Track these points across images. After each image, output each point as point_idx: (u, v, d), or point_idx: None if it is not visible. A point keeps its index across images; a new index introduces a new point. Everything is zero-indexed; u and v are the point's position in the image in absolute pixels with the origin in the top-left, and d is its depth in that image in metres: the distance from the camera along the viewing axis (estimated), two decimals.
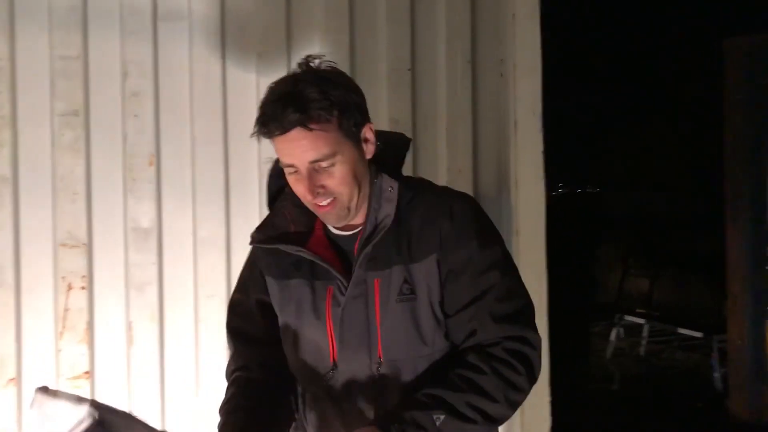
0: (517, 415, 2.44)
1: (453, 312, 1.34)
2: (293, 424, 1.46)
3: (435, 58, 2.50)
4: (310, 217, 1.40)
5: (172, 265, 2.37)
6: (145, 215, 2.36)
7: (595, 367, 5.64)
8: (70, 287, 2.33)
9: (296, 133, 1.24)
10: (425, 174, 2.42)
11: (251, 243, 1.44)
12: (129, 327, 2.36)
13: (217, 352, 2.35)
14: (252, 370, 1.43)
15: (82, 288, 2.34)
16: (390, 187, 1.36)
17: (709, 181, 5.45)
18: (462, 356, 1.31)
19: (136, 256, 2.35)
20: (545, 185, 2.49)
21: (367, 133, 1.33)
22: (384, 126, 2.16)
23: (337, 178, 1.29)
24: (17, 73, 2.32)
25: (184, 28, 2.38)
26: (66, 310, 2.34)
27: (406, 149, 1.50)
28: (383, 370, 1.33)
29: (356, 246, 1.35)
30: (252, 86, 2.38)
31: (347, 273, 1.35)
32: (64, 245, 2.33)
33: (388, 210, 1.34)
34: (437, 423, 1.22)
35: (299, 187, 1.30)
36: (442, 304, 1.35)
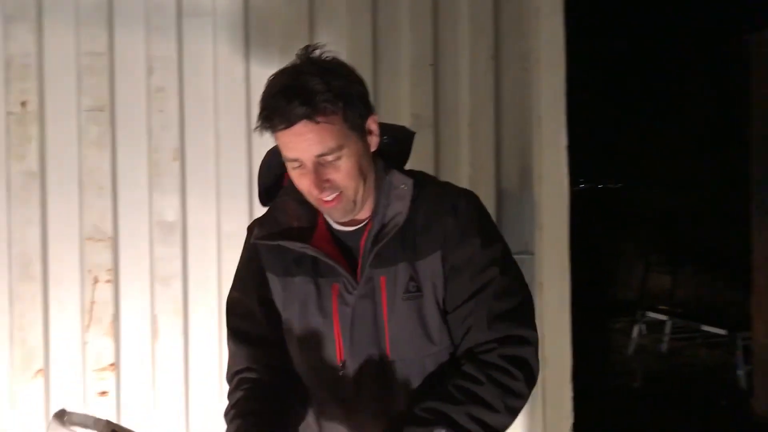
0: (539, 412, 2.44)
1: (452, 308, 1.31)
2: (301, 424, 1.40)
3: (458, 54, 2.49)
4: (312, 212, 1.35)
5: (197, 259, 2.39)
6: (169, 209, 2.38)
7: (617, 364, 5.60)
8: (96, 280, 2.37)
9: (302, 127, 1.20)
10: (448, 170, 2.43)
11: (254, 239, 1.37)
12: (154, 320, 2.39)
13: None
14: (257, 372, 1.35)
15: (108, 281, 2.37)
16: (403, 184, 1.33)
17: (733, 176, 5.38)
18: (458, 366, 1.27)
19: (161, 249, 2.38)
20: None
21: (372, 124, 1.30)
22: (406, 122, 2.17)
23: (343, 171, 1.25)
24: (45, 70, 2.36)
25: (208, 24, 2.40)
26: (92, 302, 2.37)
27: (411, 143, 1.46)
28: (392, 369, 1.30)
29: (362, 242, 1.31)
30: None
31: (352, 270, 1.31)
32: (90, 239, 2.36)
33: (399, 207, 1.31)
34: None
35: (303, 182, 1.26)
36: (445, 300, 1.32)
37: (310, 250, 1.31)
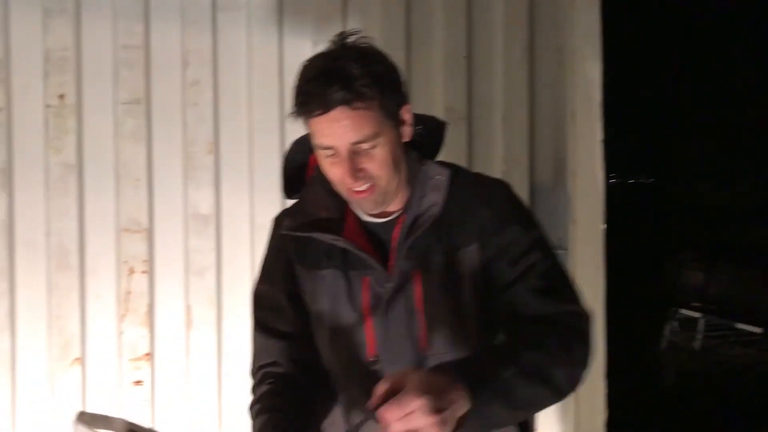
0: (571, 407, 2.42)
1: (495, 296, 1.26)
2: (326, 421, 1.38)
3: (492, 46, 2.47)
4: (341, 203, 1.32)
5: (230, 251, 2.41)
6: (204, 202, 2.40)
7: (649, 361, 5.54)
8: (131, 271, 2.40)
9: (339, 113, 1.16)
10: (480, 163, 2.42)
11: (284, 230, 1.34)
12: (188, 311, 2.41)
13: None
14: (283, 366, 1.32)
15: (144, 272, 2.40)
16: (439, 174, 1.30)
17: None
18: (513, 331, 1.22)
19: (196, 241, 2.40)
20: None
21: (406, 114, 1.26)
22: (439, 114, 2.15)
23: (378, 160, 1.21)
24: (82, 63, 2.39)
25: (242, 17, 2.41)
26: (128, 293, 2.40)
27: (444, 134, 1.43)
28: (426, 364, 1.25)
29: (394, 234, 1.28)
30: None
31: (384, 263, 1.28)
32: (126, 230, 2.39)
33: (435, 199, 1.28)
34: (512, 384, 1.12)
35: (336, 171, 1.22)
36: (485, 293, 1.28)
37: (341, 242, 1.28)
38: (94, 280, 2.40)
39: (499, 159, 2.44)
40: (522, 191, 2.38)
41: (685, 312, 5.84)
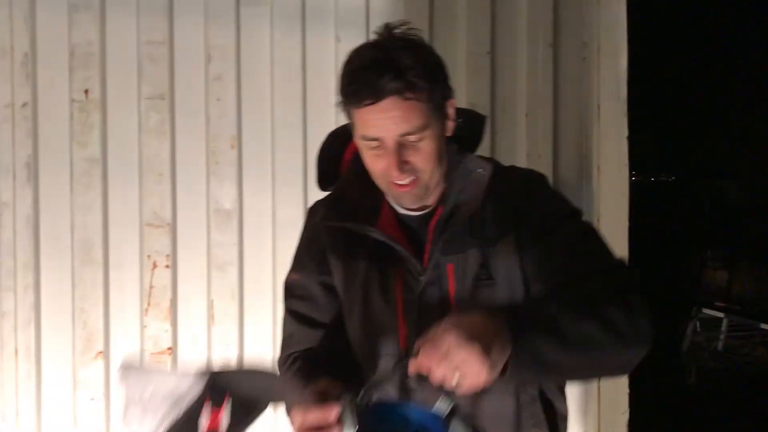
0: (594, 407, 2.40)
1: (538, 275, 1.23)
2: None
3: (515, 41, 2.45)
4: (377, 195, 1.30)
5: (252, 246, 2.42)
6: (226, 197, 2.41)
7: (671, 361, 5.48)
8: (155, 265, 2.41)
9: (390, 103, 1.14)
10: (504, 160, 2.37)
11: (318, 220, 1.33)
12: (210, 305, 2.42)
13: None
14: (315, 352, 1.32)
15: (167, 266, 2.41)
16: (480, 168, 1.27)
17: None
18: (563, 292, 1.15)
19: (218, 236, 2.41)
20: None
21: (450, 108, 1.24)
22: None
23: (424, 154, 1.19)
24: (107, 58, 2.40)
25: (266, 13, 2.41)
26: (151, 287, 2.42)
27: (483, 127, 1.41)
28: None
29: (431, 227, 1.26)
30: (331, 70, 2.39)
31: (419, 255, 1.26)
32: (149, 225, 2.41)
33: (474, 192, 1.25)
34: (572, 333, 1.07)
35: (379, 163, 1.20)
36: (524, 285, 1.26)
37: (376, 234, 1.27)
38: (117, 274, 2.42)
39: (523, 156, 2.42)
40: None
41: (708, 312, 5.77)
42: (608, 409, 2.41)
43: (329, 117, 2.40)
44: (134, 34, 2.40)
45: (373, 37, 1.22)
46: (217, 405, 1.03)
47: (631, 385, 2.44)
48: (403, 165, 1.19)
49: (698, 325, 5.80)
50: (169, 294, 2.41)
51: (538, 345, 1.04)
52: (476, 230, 1.26)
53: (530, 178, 1.33)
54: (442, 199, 1.29)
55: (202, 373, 1.04)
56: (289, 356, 1.34)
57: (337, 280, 1.33)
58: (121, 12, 2.40)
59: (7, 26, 2.38)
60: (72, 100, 2.40)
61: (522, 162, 2.41)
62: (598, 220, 2.40)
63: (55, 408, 2.41)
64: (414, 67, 1.14)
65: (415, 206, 1.29)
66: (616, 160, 2.40)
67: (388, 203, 1.33)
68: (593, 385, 2.39)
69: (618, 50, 2.40)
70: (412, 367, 1.01)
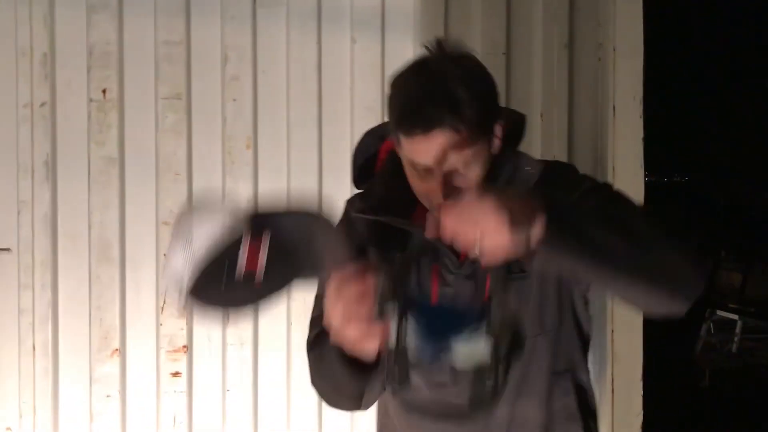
0: (608, 409, 2.39)
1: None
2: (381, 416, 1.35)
3: (530, 42, 2.45)
4: (412, 189, 1.30)
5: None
6: (242, 196, 2.42)
7: (685, 363, 5.46)
8: None
9: (441, 135, 1.12)
10: None
11: (355, 212, 1.32)
12: None
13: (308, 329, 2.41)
14: None
15: None
16: (529, 166, 1.25)
17: None
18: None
19: None
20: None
21: (498, 128, 1.22)
22: None
23: (470, 180, 1.18)
24: (124, 58, 2.42)
25: (282, 14, 2.42)
26: (167, 285, 2.43)
27: (524, 126, 1.40)
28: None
29: None
30: (346, 71, 2.41)
31: (455, 251, 1.25)
32: (165, 223, 2.43)
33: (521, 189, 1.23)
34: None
35: (425, 186, 1.19)
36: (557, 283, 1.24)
37: (411, 228, 1.25)
38: (134, 272, 2.43)
39: (537, 156, 2.40)
40: None
41: (721, 313, 5.73)
42: (622, 411, 2.41)
43: (344, 117, 2.42)
44: (151, 35, 2.42)
45: (421, 50, 1.20)
46: (256, 244, 0.99)
47: (645, 387, 2.43)
48: (448, 192, 1.17)
49: (712, 327, 5.77)
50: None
51: (575, 225, 1.02)
52: None
53: (559, 164, 1.33)
54: None
55: (246, 213, 1.01)
56: (317, 335, 1.32)
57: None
58: (139, 12, 2.42)
59: (27, 27, 2.40)
60: (90, 100, 2.42)
61: None
62: None
63: (72, 405, 2.43)
64: (469, 101, 1.12)
65: None
66: (631, 160, 2.39)
67: None
68: (607, 386, 2.38)
69: (634, 51, 2.39)
70: (431, 226, 0.99)
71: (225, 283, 0.99)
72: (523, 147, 2.44)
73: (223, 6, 2.42)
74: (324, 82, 2.42)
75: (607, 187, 1.28)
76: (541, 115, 2.43)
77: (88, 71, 2.42)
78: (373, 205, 1.30)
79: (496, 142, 1.23)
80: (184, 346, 2.44)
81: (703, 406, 4.59)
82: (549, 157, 2.42)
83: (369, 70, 2.40)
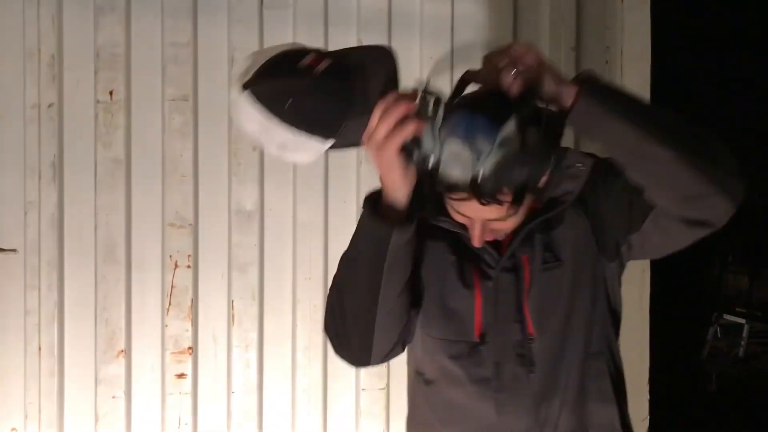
0: None
1: (622, 226, 1.20)
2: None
3: (537, 44, 2.43)
4: None
5: (273, 247, 2.43)
6: (248, 198, 2.43)
7: (691, 367, 5.43)
8: (176, 265, 2.43)
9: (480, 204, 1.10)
10: None
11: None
12: (231, 306, 2.44)
13: (314, 331, 2.41)
14: None
15: (188, 266, 2.43)
16: (579, 163, 1.21)
17: None
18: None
19: (239, 237, 2.43)
20: None
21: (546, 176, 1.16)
22: None
23: (510, 225, 1.18)
24: (132, 60, 2.43)
25: (289, 16, 2.43)
26: (172, 287, 2.44)
27: (564, 125, 1.40)
28: (534, 350, 1.23)
29: None
30: None
31: (493, 244, 1.23)
32: (171, 225, 2.43)
33: (570, 186, 1.21)
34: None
35: (461, 218, 1.18)
36: (601, 256, 1.24)
37: (449, 226, 1.23)
38: (139, 273, 2.44)
39: None
40: None
41: (728, 317, 5.70)
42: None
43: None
44: (159, 36, 2.42)
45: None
46: (319, 58, 1.10)
47: (651, 392, 2.43)
48: (486, 235, 1.18)
49: (719, 331, 5.73)
50: (190, 294, 2.43)
51: (617, 92, 1.09)
52: (549, 221, 1.24)
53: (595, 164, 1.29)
54: None
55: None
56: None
57: (419, 257, 1.27)
58: (146, 14, 2.42)
59: (35, 28, 2.41)
60: (97, 101, 2.43)
61: None
62: None
63: (77, 405, 2.43)
64: (513, 178, 1.08)
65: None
66: None
67: None
68: None
69: (641, 54, 2.39)
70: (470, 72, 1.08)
71: (286, 68, 1.09)
72: None
73: (230, 8, 2.42)
74: None
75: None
76: None
77: (96, 73, 2.42)
78: (413, 201, 1.22)
79: (543, 179, 1.17)
80: (190, 348, 2.44)
81: (709, 410, 4.56)
82: None
83: None
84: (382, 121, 1.05)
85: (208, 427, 2.45)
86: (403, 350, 1.31)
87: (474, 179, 1.04)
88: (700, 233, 1.15)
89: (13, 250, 2.43)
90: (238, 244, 2.43)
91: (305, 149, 1.11)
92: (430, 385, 1.32)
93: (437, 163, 1.05)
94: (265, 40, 2.42)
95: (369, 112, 1.07)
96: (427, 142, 1.05)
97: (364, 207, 1.16)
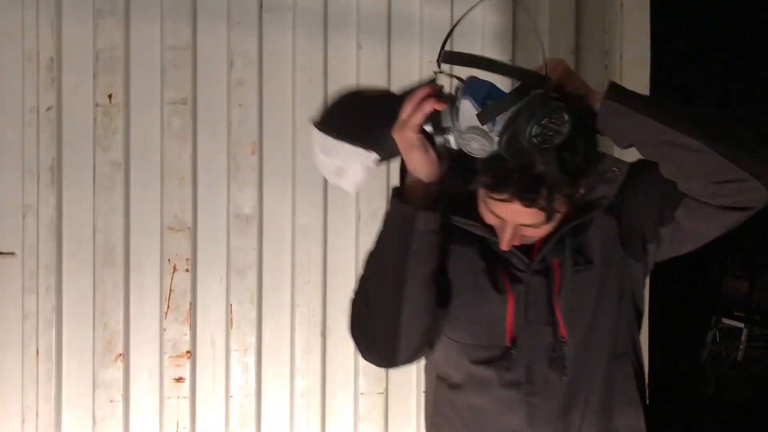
0: None
1: (653, 220, 1.21)
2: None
3: (537, 49, 2.44)
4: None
5: (272, 251, 2.43)
6: (247, 202, 2.42)
7: (690, 371, 5.43)
8: (175, 269, 2.43)
9: (521, 205, 1.12)
10: None
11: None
12: (229, 309, 2.43)
13: (313, 335, 2.41)
14: None
15: (186, 270, 2.43)
16: (615, 167, 1.21)
17: None
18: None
19: (238, 240, 2.42)
20: None
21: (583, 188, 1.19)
22: None
23: (542, 232, 1.19)
24: (131, 63, 2.43)
25: (288, 19, 2.42)
26: (170, 290, 2.43)
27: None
28: (565, 354, 1.23)
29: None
30: (352, 77, 2.40)
31: (523, 249, 1.24)
32: (170, 228, 2.43)
33: (605, 191, 1.21)
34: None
35: (495, 221, 1.19)
36: (627, 257, 1.25)
37: (478, 230, 1.24)
38: (138, 277, 2.43)
39: None
40: None
41: (727, 321, 5.70)
42: None
43: None
44: (158, 40, 2.42)
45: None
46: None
47: (650, 396, 2.42)
48: (517, 239, 1.19)
49: (718, 334, 5.73)
50: (188, 297, 2.43)
51: (638, 94, 1.14)
52: (580, 226, 1.25)
53: (643, 161, 1.28)
54: None
55: None
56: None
57: (447, 263, 1.28)
58: (145, 17, 2.42)
59: (34, 31, 2.41)
60: (96, 105, 2.42)
61: None
62: None
63: (75, 409, 2.43)
64: (561, 185, 1.12)
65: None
66: None
67: None
68: None
69: (641, 59, 2.39)
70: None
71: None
72: None
73: (230, 11, 2.42)
74: (330, 88, 2.42)
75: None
76: None
77: (95, 76, 2.42)
78: (443, 204, 1.24)
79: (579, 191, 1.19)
80: (188, 352, 2.44)
81: (708, 414, 4.56)
82: None
83: (375, 76, 2.39)
84: (406, 103, 1.12)
85: (206, 431, 2.44)
86: (431, 350, 1.31)
87: (523, 171, 1.09)
88: (734, 218, 1.17)
89: (12, 254, 2.42)
90: (236, 247, 2.43)
91: (356, 167, 1.19)
92: (455, 390, 1.31)
93: (459, 138, 1.09)
94: (264, 43, 2.42)
95: None
96: (446, 121, 1.10)
97: (391, 195, 1.20)
